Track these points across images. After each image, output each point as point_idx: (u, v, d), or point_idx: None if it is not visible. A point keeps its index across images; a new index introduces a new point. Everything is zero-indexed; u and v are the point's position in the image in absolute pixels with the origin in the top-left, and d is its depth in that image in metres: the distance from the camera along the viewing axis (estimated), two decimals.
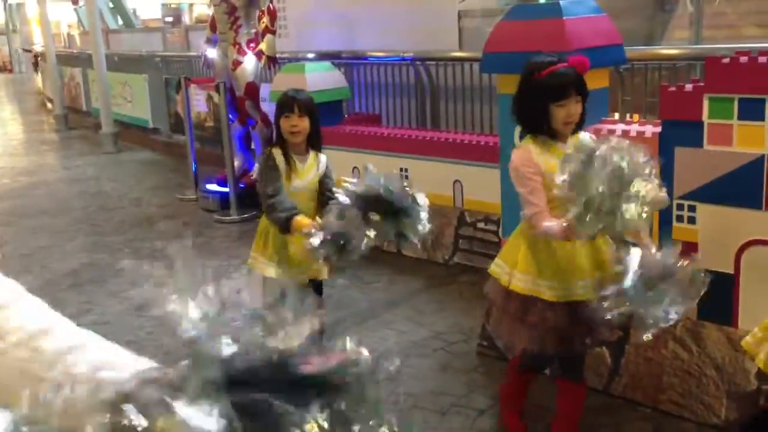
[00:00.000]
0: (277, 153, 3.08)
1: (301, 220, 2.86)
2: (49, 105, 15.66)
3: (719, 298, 2.61)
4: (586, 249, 2.40)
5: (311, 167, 3.11)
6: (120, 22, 15.94)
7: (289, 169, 3.06)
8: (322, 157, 3.16)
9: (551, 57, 2.38)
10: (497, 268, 2.56)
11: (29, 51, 22.25)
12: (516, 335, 2.56)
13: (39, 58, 17.73)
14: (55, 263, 5.32)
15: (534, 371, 2.73)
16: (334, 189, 2.97)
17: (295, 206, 2.95)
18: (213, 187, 6.71)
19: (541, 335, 2.46)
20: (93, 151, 10.46)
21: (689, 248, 2.73)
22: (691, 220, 2.78)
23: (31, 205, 7.31)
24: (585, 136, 2.45)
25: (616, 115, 3.96)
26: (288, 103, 3.05)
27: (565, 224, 2.16)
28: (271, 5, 6.07)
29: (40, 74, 18.36)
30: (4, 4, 28.38)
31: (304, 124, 3.04)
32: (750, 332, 2.19)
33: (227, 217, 6.26)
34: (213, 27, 6.48)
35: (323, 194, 3.09)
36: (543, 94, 2.31)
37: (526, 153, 2.39)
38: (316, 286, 3.32)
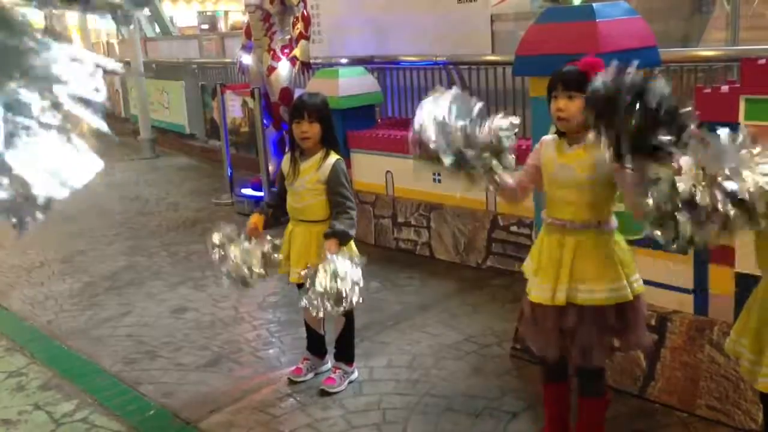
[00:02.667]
0: (287, 157, 3.22)
1: (253, 218, 3.31)
2: None
3: None
4: (569, 249, 2.37)
5: (311, 168, 3.14)
6: (157, 30, 16.20)
7: (293, 169, 3.16)
8: (331, 160, 3.14)
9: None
10: (526, 266, 2.61)
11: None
12: (531, 340, 2.60)
13: None
14: (94, 266, 5.44)
15: (553, 383, 2.65)
16: (340, 196, 3.10)
17: (269, 204, 3.35)
18: (248, 191, 6.80)
19: (544, 340, 2.48)
20: (131, 157, 10.66)
21: (725, 252, 2.70)
22: None
23: (71, 210, 7.45)
24: None
25: None
26: (298, 109, 3.11)
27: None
28: (305, 12, 6.13)
29: None
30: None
31: (314, 130, 3.10)
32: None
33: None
34: (248, 34, 6.57)
35: (330, 199, 3.13)
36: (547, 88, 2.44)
37: (540, 143, 2.52)
38: None
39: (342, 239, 3.03)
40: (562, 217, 2.38)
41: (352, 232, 3.10)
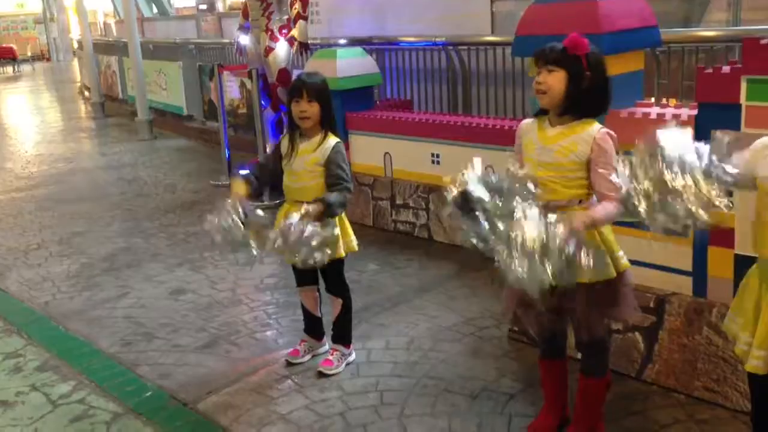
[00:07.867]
0: (285, 137, 3.17)
1: (237, 186, 3.19)
2: (86, 93, 15.91)
3: None
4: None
5: (310, 149, 3.10)
6: (155, 10, 16.10)
7: (291, 148, 3.13)
8: (331, 142, 3.10)
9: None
10: None
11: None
12: (520, 319, 2.61)
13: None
14: (92, 248, 5.42)
15: (550, 359, 2.66)
16: (336, 178, 3.04)
17: (254, 173, 3.24)
18: (246, 172, 6.75)
19: (535, 318, 2.47)
20: (129, 138, 10.62)
21: (725, 234, 2.69)
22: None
23: (69, 191, 7.45)
24: (595, 128, 2.33)
25: (653, 99, 3.90)
26: (297, 88, 3.08)
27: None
28: None
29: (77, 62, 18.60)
30: None
31: (313, 109, 3.06)
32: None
33: (260, 203, 6.30)
34: (245, 14, 6.52)
35: (328, 179, 3.07)
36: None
37: (519, 128, 2.51)
38: (314, 277, 3.33)
39: (327, 208, 2.95)
40: (546, 198, 2.32)
41: (339, 210, 3.06)
